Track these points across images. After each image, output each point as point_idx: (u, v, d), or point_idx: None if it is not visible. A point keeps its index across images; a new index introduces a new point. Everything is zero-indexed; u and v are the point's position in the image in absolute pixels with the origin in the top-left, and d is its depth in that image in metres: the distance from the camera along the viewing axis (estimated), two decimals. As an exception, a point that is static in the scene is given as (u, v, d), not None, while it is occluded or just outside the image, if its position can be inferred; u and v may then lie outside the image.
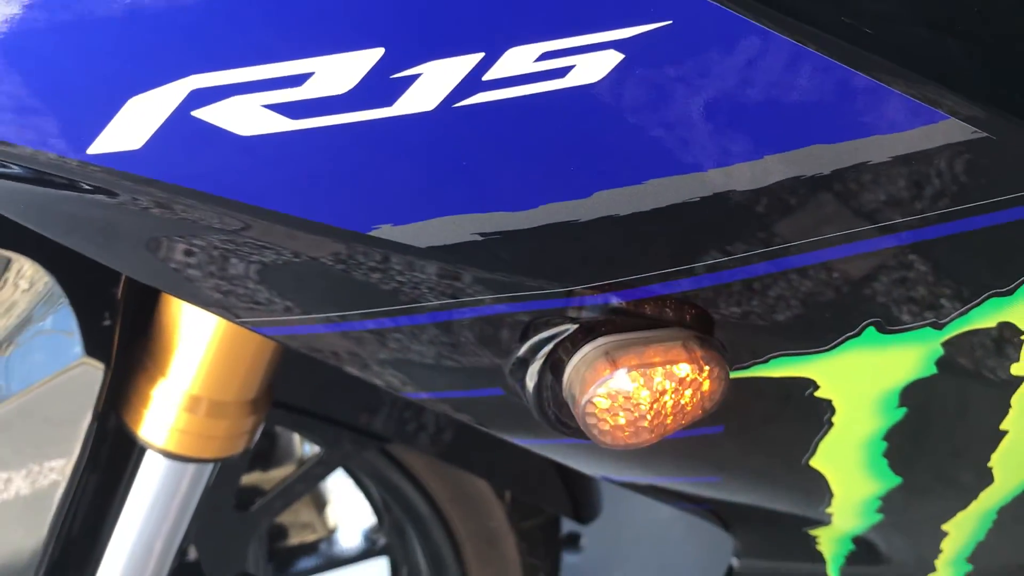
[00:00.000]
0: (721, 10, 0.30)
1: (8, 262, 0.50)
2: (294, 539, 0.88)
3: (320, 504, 0.89)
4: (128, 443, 0.58)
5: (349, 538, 0.89)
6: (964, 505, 0.54)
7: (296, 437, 0.84)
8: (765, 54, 0.31)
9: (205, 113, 0.31)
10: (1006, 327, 0.42)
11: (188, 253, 0.36)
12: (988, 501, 0.54)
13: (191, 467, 0.57)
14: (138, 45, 0.30)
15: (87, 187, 0.33)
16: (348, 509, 0.90)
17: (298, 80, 0.30)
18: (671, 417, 0.38)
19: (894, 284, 0.39)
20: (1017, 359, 0.44)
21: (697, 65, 0.31)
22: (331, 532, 0.90)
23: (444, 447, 0.70)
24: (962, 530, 0.57)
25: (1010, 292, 0.41)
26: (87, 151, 0.31)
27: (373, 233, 0.34)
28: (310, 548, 0.88)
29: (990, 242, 0.38)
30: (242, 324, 0.39)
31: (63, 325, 0.51)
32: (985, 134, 0.35)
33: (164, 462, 0.56)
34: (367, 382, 0.65)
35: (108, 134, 0.31)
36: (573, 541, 1.02)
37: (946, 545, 0.59)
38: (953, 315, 0.41)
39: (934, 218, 0.37)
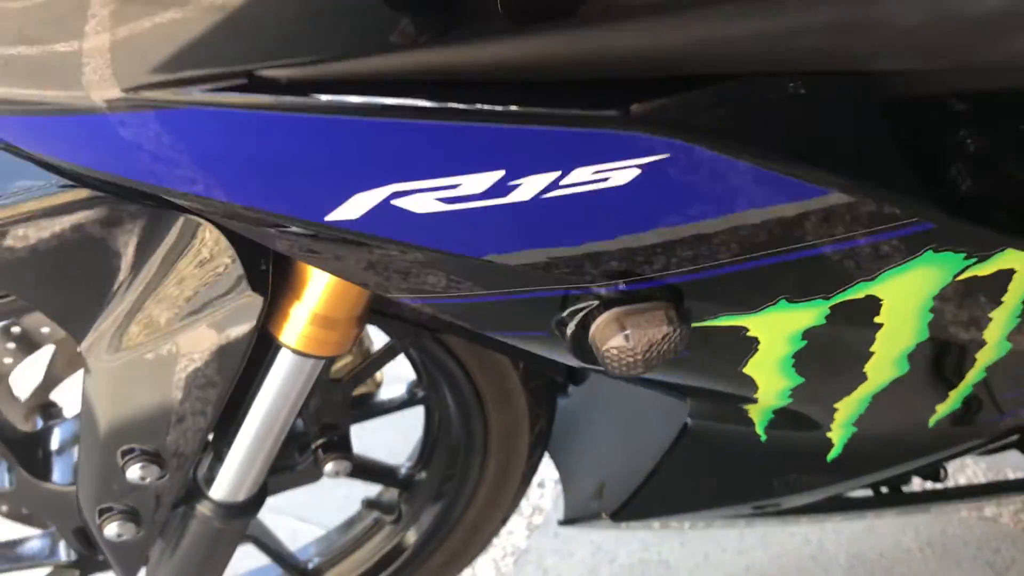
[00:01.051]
0: (693, 148, 0.51)
1: (198, 225, 0.70)
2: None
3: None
4: (263, 348, 0.81)
5: (394, 391, 1.14)
6: (848, 394, 0.79)
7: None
8: (717, 171, 0.53)
9: (400, 203, 0.52)
10: (871, 298, 0.65)
11: (365, 262, 0.58)
12: (864, 391, 0.79)
13: (311, 361, 0.80)
14: (366, 164, 0.50)
15: (319, 237, 0.54)
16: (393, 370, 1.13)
17: (454, 187, 0.51)
18: (656, 358, 0.62)
19: (799, 277, 0.62)
20: (878, 314, 0.67)
21: (681, 175, 0.53)
22: (379, 386, 1.14)
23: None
24: (848, 407, 0.82)
25: (873, 278, 0.64)
26: (324, 219, 0.52)
27: (486, 258, 0.56)
28: (365, 399, 1.13)
29: (857, 252, 0.61)
30: (385, 295, 0.61)
31: (234, 269, 0.72)
32: (852, 199, 0.57)
33: (294, 358, 0.79)
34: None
35: (338, 211, 0.52)
36: (563, 388, 1.26)
37: (838, 415, 0.85)
38: (835, 292, 0.64)
39: (825, 241, 0.60)
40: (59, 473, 0.99)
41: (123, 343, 0.74)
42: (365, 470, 1.18)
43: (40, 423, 1.04)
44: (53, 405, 1.06)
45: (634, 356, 0.61)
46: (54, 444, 1.01)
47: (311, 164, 0.49)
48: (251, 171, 0.50)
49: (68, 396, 1.03)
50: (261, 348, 0.81)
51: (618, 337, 0.60)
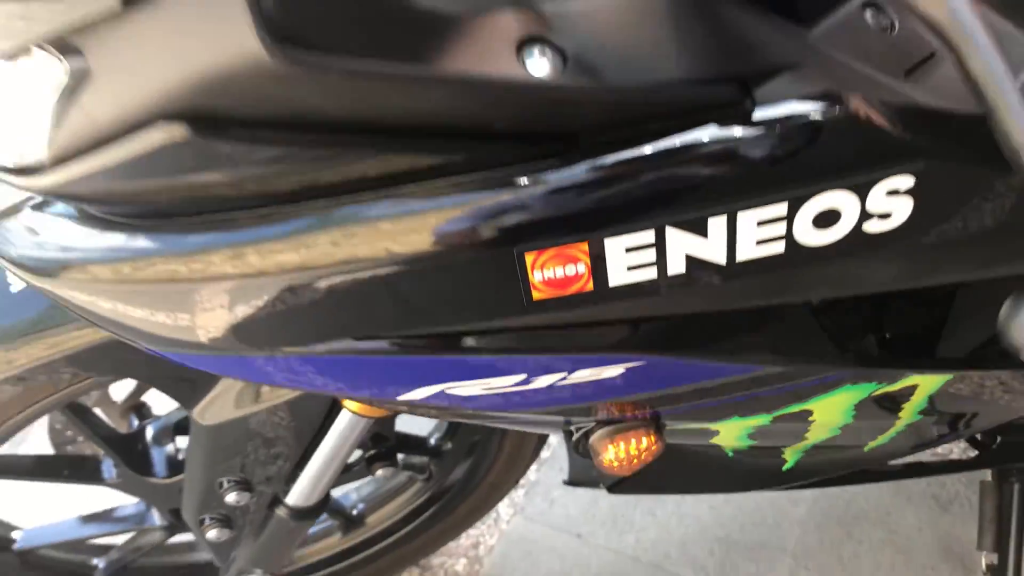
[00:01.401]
0: (660, 358, 0.70)
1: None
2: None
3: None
4: (331, 407, 1.01)
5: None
6: (793, 446, 1.00)
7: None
8: (679, 367, 0.71)
9: (451, 390, 0.71)
10: (803, 410, 0.85)
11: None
12: (805, 444, 0.99)
13: (364, 420, 1.01)
14: (428, 374, 0.69)
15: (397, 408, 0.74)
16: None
17: (490, 384, 0.70)
18: (640, 463, 0.82)
19: (746, 405, 0.81)
20: (811, 416, 0.87)
21: (653, 370, 0.71)
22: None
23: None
24: (794, 450, 1.04)
25: (803, 401, 0.83)
26: (396, 398, 0.72)
27: (510, 413, 0.76)
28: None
29: (789, 392, 0.80)
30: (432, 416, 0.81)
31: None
32: (782, 368, 0.75)
33: (352, 417, 1.00)
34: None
35: (406, 395, 0.71)
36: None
37: (787, 451, 1.06)
38: (774, 412, 0.84)
39: (764, 389, 0.79)
40: (157, 466, 1.21)
41: (229, 410, 0.95)
42: (400, 442, 1.41)
43: (135, 423, 1.25)
44: (144, 405, 1.28)
45: (621, 465, 0.81)
46: (149, 441, 1.23)
47: (391, 373, 0.68)
48: (347, 379, 0.69)
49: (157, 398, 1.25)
50: (330, 408, 1.02)
51: (609, 452, 0.80)
